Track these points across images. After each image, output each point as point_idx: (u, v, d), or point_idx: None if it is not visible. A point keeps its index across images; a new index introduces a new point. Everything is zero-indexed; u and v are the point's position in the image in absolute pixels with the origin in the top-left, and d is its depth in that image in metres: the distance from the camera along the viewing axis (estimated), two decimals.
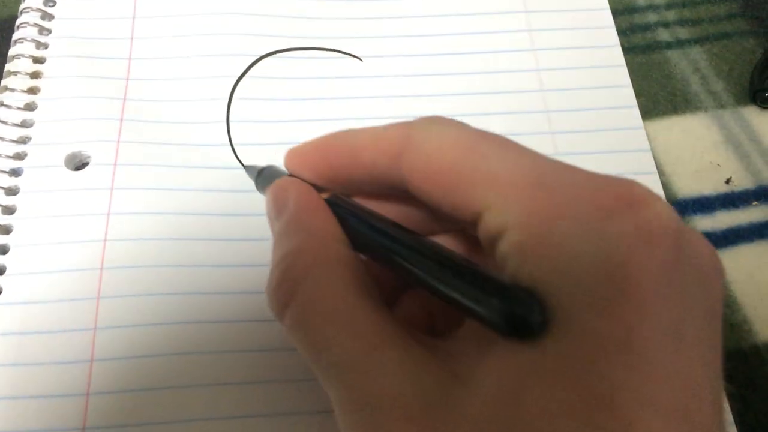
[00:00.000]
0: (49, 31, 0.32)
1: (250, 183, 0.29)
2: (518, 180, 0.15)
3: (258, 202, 0.28)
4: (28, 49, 0.31)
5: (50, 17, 0.32)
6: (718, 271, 0.16)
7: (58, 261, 0.27)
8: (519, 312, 0.14)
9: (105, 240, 0.28)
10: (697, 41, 0.35)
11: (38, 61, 0.31)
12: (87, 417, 0.25)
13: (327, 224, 0.18)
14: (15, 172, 0.29)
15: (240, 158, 0.30)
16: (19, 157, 0.29)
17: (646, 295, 0.13)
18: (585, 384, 0.13)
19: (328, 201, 0.19)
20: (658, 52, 0.34)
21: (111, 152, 0.29)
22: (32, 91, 0.30)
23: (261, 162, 0.29)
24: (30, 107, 0.30)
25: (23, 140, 0.29)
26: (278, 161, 0.30)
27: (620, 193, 0.15)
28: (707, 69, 0.34)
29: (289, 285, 0.17)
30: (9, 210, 0.28)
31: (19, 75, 0.30)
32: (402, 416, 0.14)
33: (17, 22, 0.32)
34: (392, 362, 0.15)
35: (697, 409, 0.14)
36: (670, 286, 0.14)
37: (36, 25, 0.32)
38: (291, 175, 0.21)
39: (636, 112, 0.32)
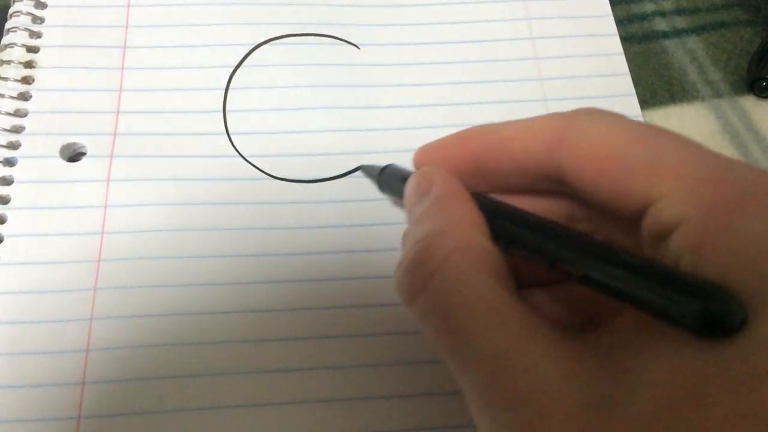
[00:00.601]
0: (42, 20, 0.31)
1: (248, 172, 0.29)
2: (695, 171, 0.15)
3: (255, 191, 0.28)
4: (21, 38, 0.31)
5: (43, 6, 0.32)
6: None
7: (54, 252, 0.27)
8: (717, 310, 0.13)
9: (102, 233, 0.27)
10: (695, 31, 0.35)
11: (32, 50, 0.31)
12: (82, 406, 0.25)
13: (471, 212, 0.18)
14: (9, 162, 0.28)
15: (237, 147, 0.29)
16: (13, 146, 0.29)
17: None
18: None
19: (471, 194, 0.18)
20: (656, 41, 0.34)
21: (107, 143, 0.29)
22: (26, 80, 0.30)
23: (258, 149, 0.29)
24: (24, 97, 0.30)
25: (17, 130, 0.29)
26: (274, 150, 0.30)
27: None
28: (704, 58, 0.34)
29: (426, 268, 0.16)
30: (3, 200, 0.28)
31: (12, 64, 0.30)
32: (561, 414, 0.14)
33: (10, 11, 0.32)
34: (546, 357, 0.14)
35: None
36: None
37: (29, 14, 0.31)
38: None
39: (634, 100, 0.32)
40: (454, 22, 0.33)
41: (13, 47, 0.30)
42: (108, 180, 0.28)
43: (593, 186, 0.16)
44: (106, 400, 0.25)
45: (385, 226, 0.28)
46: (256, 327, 0.26)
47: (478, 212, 0.18)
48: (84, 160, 0.29)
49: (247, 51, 0.32)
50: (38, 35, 0.31)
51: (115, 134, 0.29)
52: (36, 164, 0.28)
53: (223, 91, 0.31)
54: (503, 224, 0.17)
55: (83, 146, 0.29)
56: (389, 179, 0.25)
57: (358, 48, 0.32)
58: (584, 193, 0.17)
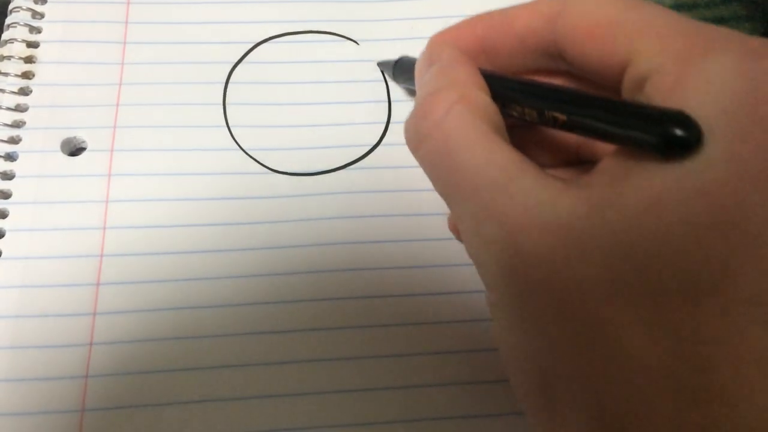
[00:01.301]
0: (42, 16, 0.31)
1: (249, 165, 0.29)
2: (670, 28, 0.17)
3: (256, 184, 0.29)
4: (21, 33, 0.31)
5: (43, 1, 0.32)
6: None
7: (56, 247, 0.27)
8: (676, 129, 0.15)
9: (104, 228, 0.27)
10: None
11: (32, 45, 0.31)
12: (86, 398, 0.25)
13: (474, 75, 0.20)
14: (10, 157, 0.28)
15: (237, 140, 0.30)
16: (14, 141, 0.29)
17: None
18: (724, 204, 0.14)
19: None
20: None
21: (107, 138, 0.29)
22: (26, 75, 0.30)
23: (258, 143, 0.29)
24: (24, 92, 0.30)
25: (18, 124, 0.29)
26: (274, 144, 0.30)
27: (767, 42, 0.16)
28: None
29: (433, 116, 0.18)
30: (4, 195, 0.28)
31: (12, 60, 0.30)
32: (540, 228, 0.16)
33: (10, 7, 0.32)
34: (532, 185, 0.16)
35: None
36: None
37: (29, 9, 0.31)
38: None
39: None
40: (452, 16, 0.33)
41: (13, 42, 0.30)
42: (109, 174, 0.28)
43: (583, 52, 0.18)
44: (110, 393, 0.25)
45: (387, 217, 0.28)
46: (259, 320, 0.26)
47: (480, 76, 0.20)
48: (85, 155, 0.29)
49: (248, 48, 0.32)
50: (38, 30, 0.31)
51: (115, 128, 0.29)
52: (37, 159, 0.28)
53: (223, 85, 0.31)
54: (501, 86, 0.20)
55: (84, 141, 0.29)
56: (403, 67, 0.28)
57: (357, 44, 0.32)
58: (576, 61, 0.19)
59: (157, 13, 0.32)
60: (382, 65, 0.31)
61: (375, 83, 0.31)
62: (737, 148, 0.14)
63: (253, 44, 0.32)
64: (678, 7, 0.35)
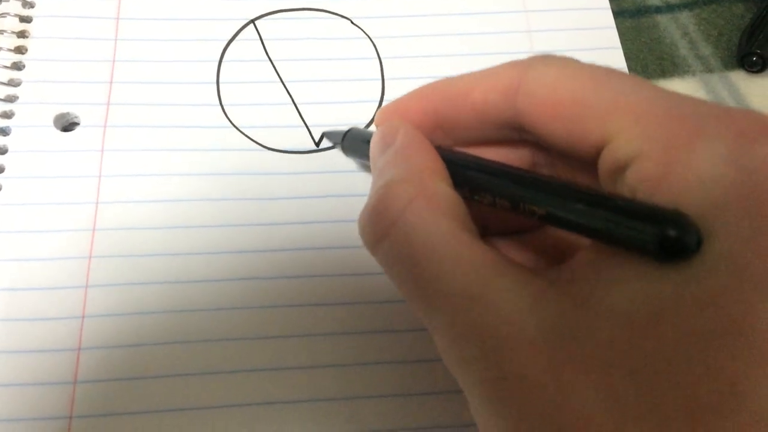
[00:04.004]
0: None
1: (241, 142, 0.29)
2: (649, 108, 0.15)
3: (249, 162, 0.29)
4: (14, 7, 0.31)
5: None
6: None
7: (48, 222, 0.27)
8: (674, 232, 0.13)
9: (97, 203, 0.28)
10: (687, 6, 0.35)
11: (25, 20, 0.31)
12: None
13: (433, 161, 0.18)
14: (3, 131, 0.28)
15: (230, 118, 0.30)
16: (7, 116, 0.29)
17: None
18: (729, 314, 0.13)
19: (434, 146, 0.19)
20: (648, 16, 0.34)
21: (101, 114, 0.29)
22: (19, 50, 0.30)
23: (251, 121, 0.29)
24: (17, 66, 0.30)
25: (11, 99, 0.29)
26: (268, 121, 0.30)
27: (759, 120, 0.14)
28: (696, 33, 0.34)
29: (389, 213, 0.16)
30: None
31: (5, 34, 0.30)
32: (526, 344, 0.14)
33: None
34: (509, 291, 0.15)
35: None
36: None
37: None
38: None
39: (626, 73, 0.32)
40: None
41: (5, 17, 0.30)
42: (102, 150, 0.29)
43: (550, 129, 0.17)
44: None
45: None
46: (248, 298, 0.26)
47: (440, 161, 0.18)
48: (78, 130, 0.29)
49: (241, 26, 0.32)
50: (31, 5, 0.31)
51: (108, 104, 0.29)
52: (30, 134, 0.29)
53: (217, 63, 0.31)
54: (465, 172, 0.18)
55: (77, 116, 0.29)
56: (353, 141, 0.25)
57: (351, 21, 0.32)
58: (542, 137, 0.17)
59: None
60: (330, 135, 0.29)
61: (368, 61, 0.31)
62: (738, 249, 0.13)
63: (247, 21, 0.32)
64: None
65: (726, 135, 0.14)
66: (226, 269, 0.27)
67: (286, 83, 0.31)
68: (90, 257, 0.27)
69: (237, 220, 0.28)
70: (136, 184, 0.28)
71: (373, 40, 0.32)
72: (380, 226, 0.17)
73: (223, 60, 0.31)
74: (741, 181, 0.13)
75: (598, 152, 0.16)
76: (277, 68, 0.31)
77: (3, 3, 0.31)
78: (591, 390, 0.13)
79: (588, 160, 0.16)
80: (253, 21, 0.32)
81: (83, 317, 0.26)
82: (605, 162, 0.16)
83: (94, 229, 0.27)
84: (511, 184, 0.17)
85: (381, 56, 0.31)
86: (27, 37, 0.30)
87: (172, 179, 0.28)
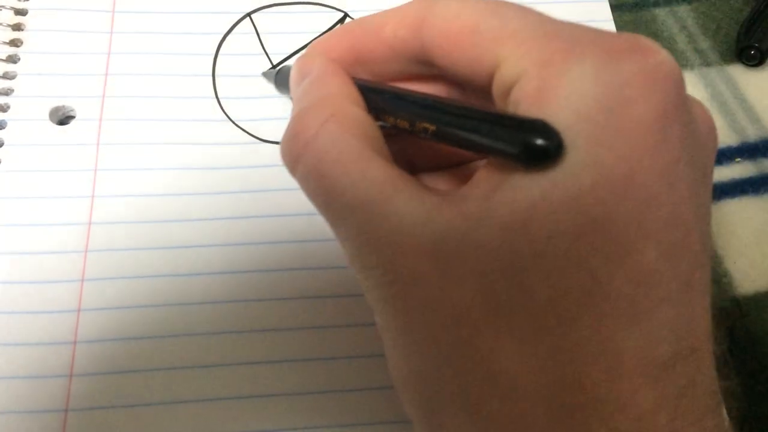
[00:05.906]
0: None
1: (237, 135, 0.29)
2: (533, 33, 0.16)
3: (245, 154, 0.29)
4: (9, 0, 0.31)
5: None
6: (713, 132, 0.17)
7: (44, 216, 0.27)
8: (536, 138, 0.14)
9: (92, 196, 0.28)
10: (685, 0, 0.35)
11: (20, 12, 0.31)
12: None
13: (347, 87, 0.19)
14: None
15: (226, 111, 0.30)
16: (2, 109, 0.29)
17: (648, 134, 0.14)
18: (590, 213, 0.14)
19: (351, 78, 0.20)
20: (646, 10, 0.34)
21: (96, 107, 0.29)
22: (14, 43, 0.30)
23: (247, 114, 0.29)
24: (12, 59, 0.30)
25: (6, 92, 0.29)
26: (263, 114, 0.30)
27: (629, 41, 0.16)
28: (694, 27, 0.34)
29: (304, 135, 0.18)
30: None
31: (0, 27, 0.30)
32: (418, 251, 0.15)
33: None
34: (406, 205, 0.16)
35: (686, 241, 0.15)
36: (670, 128, 0.15)
37: None
38: None
39: None
40: None
41: (1, 10, 0.30)
42: (98, 143, 0.28)
43: (452, 60, 0.18)
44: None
45: None
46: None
47: (354, 87, 0.19)
48: (73, 123, 0.29)
49: (237, 19, 0.32)
50: None
51: (103, 97, 0.29)
52: (25, 127, 0.28)
53: (213, 56, 0.31)
54: (374, 97, 0.19)
55: (72, 109, 0.29)
56: (283, 77, 0.26)
57: (347, 15, 0.32)
58: (446, 69, 0.18)
59: None
60: (267, 75, 0.29)
61: None
62: (599, 155, 0.14)
63: (243, 15, 0.32)
64: None
65: (596, 54, 0.15)
66: (223, 262, 0.27)
67: None
68: (86, 251, 0.27)
69: (233, 212, 0.28)
70: (132, 178, 0.28)
71: None
72: (296, 147, 0.18)
73: (219, 53, 0.31)
74: (604, 95, 0.15)
75: (492, 78, 0.17)
76: (273, 62, 0.31)
77: None
78: (469, 287, 0.15)
79: (486, 89, 0.17)
80: (249, 14, 0.32)
81: (79, 311, 0.26)
82: (497, 86, 0.17)
83: (90, 223, 0.27)
84: (409, 104, 0.18)
85: None
86: (22, 29, 0.30)
87: (168, 172, 0.28)
